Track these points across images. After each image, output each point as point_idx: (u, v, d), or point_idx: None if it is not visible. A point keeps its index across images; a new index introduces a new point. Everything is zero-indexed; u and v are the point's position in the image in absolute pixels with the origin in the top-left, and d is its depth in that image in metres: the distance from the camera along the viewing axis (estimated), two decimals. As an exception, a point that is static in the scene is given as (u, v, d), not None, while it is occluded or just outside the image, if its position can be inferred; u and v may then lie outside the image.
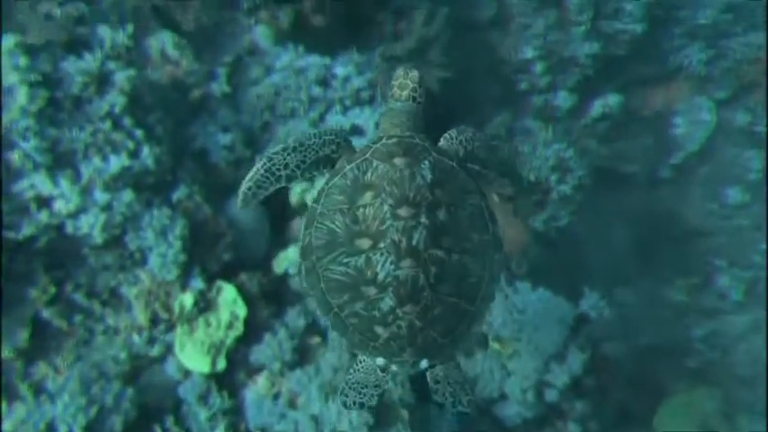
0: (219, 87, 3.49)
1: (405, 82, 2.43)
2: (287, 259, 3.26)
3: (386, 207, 2.20)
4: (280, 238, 3.38)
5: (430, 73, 4.48)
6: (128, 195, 2.93)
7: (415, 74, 2.42)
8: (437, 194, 2.25)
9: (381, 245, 2.20)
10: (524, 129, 5.30)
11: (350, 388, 2.48)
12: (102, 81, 2.87)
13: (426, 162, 2.27)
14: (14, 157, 2.79)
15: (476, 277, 2.33)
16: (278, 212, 3.33)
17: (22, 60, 2.79)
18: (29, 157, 2.78)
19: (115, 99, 2.84)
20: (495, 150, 2.46)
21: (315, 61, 3.54)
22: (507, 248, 3.75)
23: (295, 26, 4.21)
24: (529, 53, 4.96)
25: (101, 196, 2.88)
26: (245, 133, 3.37)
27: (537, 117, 5.30)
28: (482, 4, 5.07)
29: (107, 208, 2.87)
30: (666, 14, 5.07)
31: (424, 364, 2.38)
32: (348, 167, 2.29)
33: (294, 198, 3.28)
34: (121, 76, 2.91)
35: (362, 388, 2.46)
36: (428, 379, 2.45)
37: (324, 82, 3.50)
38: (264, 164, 2.36)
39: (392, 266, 2.20)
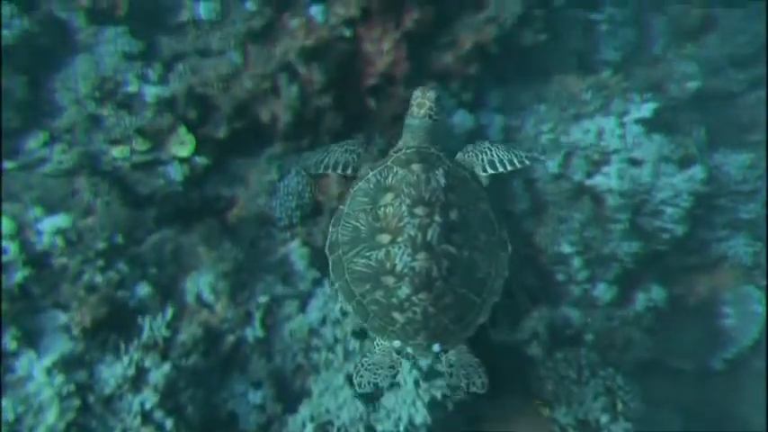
0: (253, 332, 3.41)
1: (422, 101, 2.73)
2: None
3: (404, 207, 2.48)
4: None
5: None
6: None
7: (431, 94, 2.75)
8: (450, 197, 2.52)
9: (399, 239, 2.47)
10: (563, 317, 5.10)
11: (365, 369, 2.62)
12: (137, 378, 2.82)
13: (441, 169, 2.55)
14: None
15: (483, 273, 2.58)
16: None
17: (59, 378, 2.73)
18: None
19: (148, 396, 2.76)
20: (514, 149, 2.85)
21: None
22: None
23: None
24: (565, 248, 4.84)
25: None
26: (277, 383, 3.24)
27: (575, 307, 5.12)
28: (516, 196, 5.04)
29: None
30: (708, 208, 4.98)
31: (436, 347, 2.58)
32: (371, 173, 2.61)
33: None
34: (157, 374, 2.84)
35: (378, 369, 2.61)
36: (443, 364, 2.62)
37: (362, 333, 3.41)
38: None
39: (409, 258, 2.45)
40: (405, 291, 2.46)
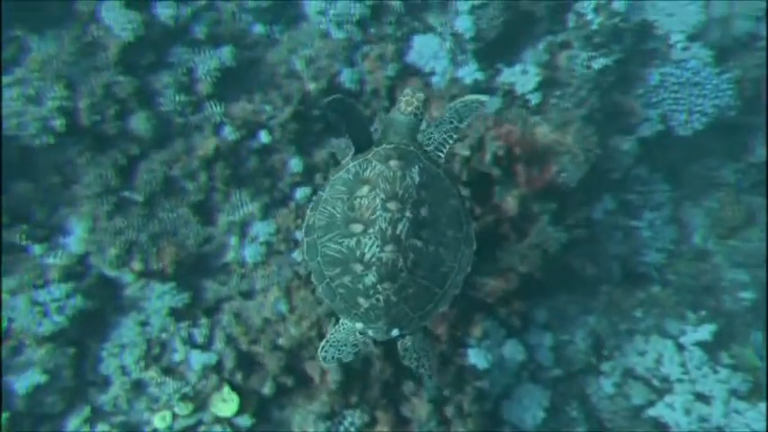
0: None
1: (411, 100, 2.80)
2: None
3: (378, 200, 2.59)
4: None
5: None
6: None
7: (421, 95, 2.83)
8: (422, 194, 2.65)
9: (371, 230, 2.58)
10: None
11: (330, 345, 2.79)
12: None
13: (417, 167, 2.67)
14: None
15: (447, 267, 2.71)
16: None
17: None
18: None
19: None
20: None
21: None
22: None
23: None
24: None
25: None
26: None
27: None
28: (571, 418, 4.74)
29: None
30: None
31: (395, 332, 2.73)
32: (352, 164, 2.72)
33: None
34: None
35: (342, 346, 2.79)
36: (398, 346, 2.82)
37: None
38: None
39: (377, 249, 2.57)
40: (371, 279, 2.60)
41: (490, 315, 4.46)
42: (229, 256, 4.31)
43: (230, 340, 3.84)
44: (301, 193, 4.28)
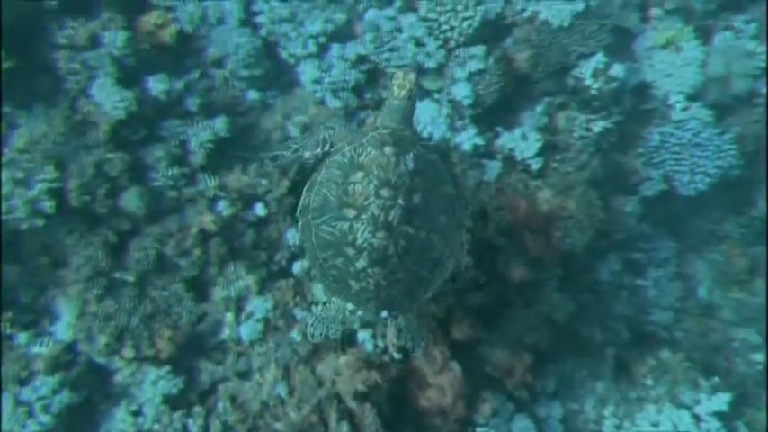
0: None
1: (403, 83, 2.76)
2: None
3: (371, 187, 2.62)
4: None
5: None
6: None
7: (412, 76, 2.78)
8: (416, 181, 2.67)
9: (363, 216, 2.62)
10: None
11: (319, 322, 2.87)
12: None
13: (411, 153, 2.68)
14: None
15: (437, 252, 2.75)
16: None
17: None
18: None
19: None
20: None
21: None
22: None
23: None
24: None
25: None
26: None
27: None
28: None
29: None
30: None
31: (384, 314, 2.82)
32: (347, 148, 2.73)
33: None
34: None
35: (331, 323, 2.89)
36: (393, 327, 2.95)
37: None
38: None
39: (369, 235, 2.61)
40: (362, 263, 2.64)
41: (498, 389, 4.30)
42: (225, 333, 4.14)
43: (227, 429, 3.65)
44: (298, 267, 4.14)
